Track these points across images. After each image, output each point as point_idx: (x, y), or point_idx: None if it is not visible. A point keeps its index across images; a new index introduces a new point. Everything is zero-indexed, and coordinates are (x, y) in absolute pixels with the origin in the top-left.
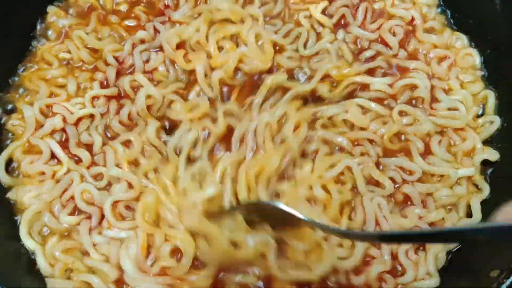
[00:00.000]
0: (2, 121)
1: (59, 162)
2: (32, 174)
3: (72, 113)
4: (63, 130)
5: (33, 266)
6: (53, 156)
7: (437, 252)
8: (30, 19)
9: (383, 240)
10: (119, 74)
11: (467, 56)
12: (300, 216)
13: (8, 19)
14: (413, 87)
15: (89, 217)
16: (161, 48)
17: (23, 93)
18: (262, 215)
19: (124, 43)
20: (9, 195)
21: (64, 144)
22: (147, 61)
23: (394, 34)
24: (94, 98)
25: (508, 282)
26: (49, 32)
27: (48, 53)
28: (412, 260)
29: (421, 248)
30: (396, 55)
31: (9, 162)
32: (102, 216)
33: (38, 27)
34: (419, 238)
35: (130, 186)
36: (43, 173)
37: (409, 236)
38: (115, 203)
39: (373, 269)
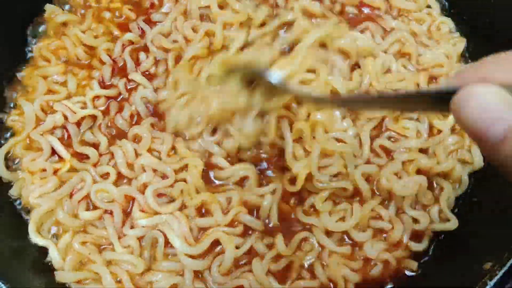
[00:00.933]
0: (2, 118)
1: (61, 159)
2: (34, 171)
3: (74, 113)
4: (64, 127)
5: (38, 263)
6: (53, 152)
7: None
8: (28, 16)
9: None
10: (114, 72)
11: (441, 24)
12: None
13: (5, 16)
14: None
15: (108, 212)
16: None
17: (23, 89)
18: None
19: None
20: (11, 191)
21: (66, 142)
22: (137, 61)
23: None
24: (95, 97)
25: (501, 274)
26: (47, 29)
27: (46, 50)
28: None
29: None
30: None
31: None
32: (123, 211)
33: (36, 24)
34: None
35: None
36: (45, 170)
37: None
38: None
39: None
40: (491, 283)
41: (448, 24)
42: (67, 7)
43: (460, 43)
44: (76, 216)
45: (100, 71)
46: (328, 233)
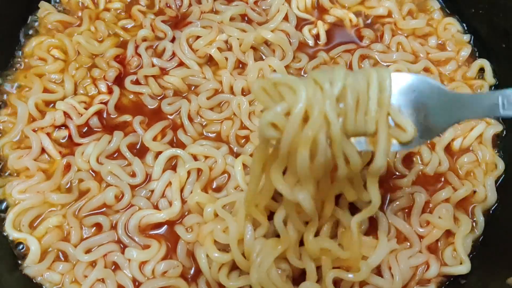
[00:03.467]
0: None
1: (51, 158)
2: (19, 169)
3: (80, 114)
4: (65, 126)
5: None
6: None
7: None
8: (21, 16)
9: None
10: (120, 75)
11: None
12: None
13: None
14: None
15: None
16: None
17: (16, 88)
18: None
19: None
20: None
21: (65, 142)
22: (159, 55)
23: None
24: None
25: None
26: (39, 28)
27: (38, 48)
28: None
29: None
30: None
31: None
32: None
33: (29, 23)
34: None
35: None
36: (29, 169)
37: None
38: None
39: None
40: None
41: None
42: (62, 8)
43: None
44: None
45: (102, 70)
46: None
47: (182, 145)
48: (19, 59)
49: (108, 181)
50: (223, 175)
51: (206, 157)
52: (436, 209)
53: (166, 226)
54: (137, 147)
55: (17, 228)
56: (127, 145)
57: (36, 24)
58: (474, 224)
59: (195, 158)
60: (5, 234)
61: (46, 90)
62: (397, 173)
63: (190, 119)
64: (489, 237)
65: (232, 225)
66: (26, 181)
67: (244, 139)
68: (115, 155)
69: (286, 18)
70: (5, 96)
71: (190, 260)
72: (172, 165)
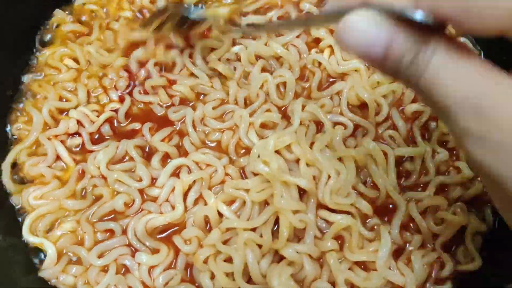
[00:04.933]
0: (8, 126)
1: (66, 165)
2: (35, 176)
3: (93, 122)
4: (78, 134)
5: (27, 265)
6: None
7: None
8: (36, 24)
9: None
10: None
11: None
12: None
13: (12, 24)
14: None
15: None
16: None
17: (30, 97)
18: None
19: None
20: (13, 200)
21: (79, 150)
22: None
23: None
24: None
25: None
26: (54, 38)
27: (51, 58)
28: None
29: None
30: None
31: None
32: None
33: (43, 32)
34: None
35: None
36: (44, 176)
37: None
38: None
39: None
40: None
41: None
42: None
43: None
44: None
45: (111, 80)
46: None
47: (186, 152)
48: (33, 68)
49: (116, 188)
50: (221, 185)
51: (207, 165)
52: (452, 206)
53: (170, 230)
54: (146, 150)
55: (33, 233)
56: (134, 146)
57: (51, 33)
58: (483, 221)
59: (197, 165)
60: (22, 239)
61: (61, 99)
62: None
63: (195, 127)
64: (498, 235)
65: (236, 258)
66: (42, 188)
67: (243, 150)
68: (125, 160)
69: None
70: (20, 105)
71: (187, 274)
72: (176, 173)
